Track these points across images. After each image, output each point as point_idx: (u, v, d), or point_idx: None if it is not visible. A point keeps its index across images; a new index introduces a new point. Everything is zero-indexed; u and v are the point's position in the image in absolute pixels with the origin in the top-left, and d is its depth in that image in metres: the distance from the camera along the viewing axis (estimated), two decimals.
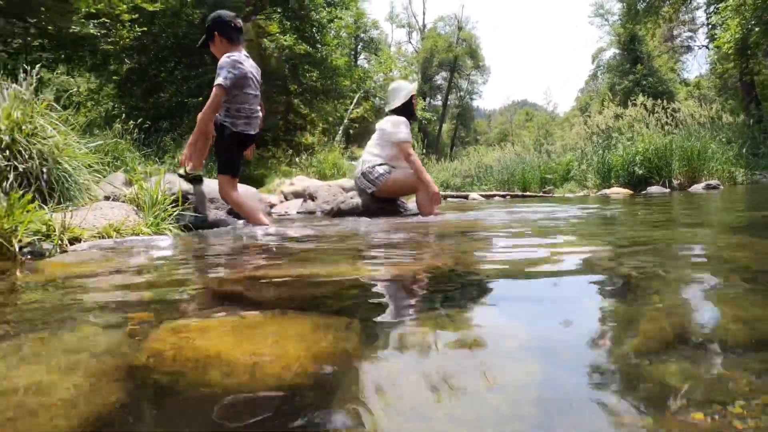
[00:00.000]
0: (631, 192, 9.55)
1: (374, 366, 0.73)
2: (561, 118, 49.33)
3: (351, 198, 4.56)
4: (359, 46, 32.15)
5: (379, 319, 0.97)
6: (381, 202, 4.42)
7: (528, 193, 12.08)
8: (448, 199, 10.22)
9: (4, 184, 2.27)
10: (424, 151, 15.60)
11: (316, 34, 15.70)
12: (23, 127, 2.46)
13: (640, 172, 10.19)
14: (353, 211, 4.40)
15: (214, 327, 0.90)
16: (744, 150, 11.29)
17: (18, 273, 1.62)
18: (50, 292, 1.30)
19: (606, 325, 0.92)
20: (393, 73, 22.71)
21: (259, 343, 0.81)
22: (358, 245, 2.24)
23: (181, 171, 3.37)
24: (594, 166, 11.74)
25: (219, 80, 2.94)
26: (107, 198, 3.16)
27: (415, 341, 0.81)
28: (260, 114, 3.34)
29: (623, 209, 4.58)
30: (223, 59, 3.02)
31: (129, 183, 3.85)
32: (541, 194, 12.07)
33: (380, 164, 4.30)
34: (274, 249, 2.14)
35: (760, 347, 0.75)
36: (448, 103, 44.91)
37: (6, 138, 2.36)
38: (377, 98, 19.14)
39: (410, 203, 4.78)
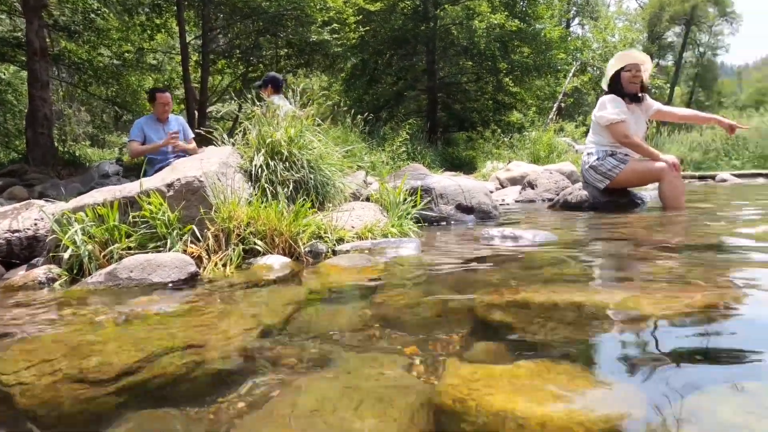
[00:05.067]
0: None
1: None
2: None
3: (578, 189, 4.27)
4: (572, 11, 29.63)
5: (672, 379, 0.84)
6: (612, 193, 4.06)
7: None
8: (686, 181, 8.73)
9: (285, 190, 2.73)
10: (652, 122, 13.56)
11: (527, 9, 14.94)
12: (297, 141, 2.92)
13: None
14: (581, 204, 4.13)
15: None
16: None
17: (316, 275, 1.92)
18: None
19: None
20: (612, 38, 20.25)
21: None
22: (621, 261, 2.04)
23: None
24: None
25: None
26: (353, 196, 3.57)
27: None
28: None
29: None
30: None
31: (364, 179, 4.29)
32: None
33: (610, 154, 3.93)
34: (521, 257, 2.07)
35: None
36: (683, 62, 38.36)
37: (285, 152, 2.84)
38: (596, 69, 17.39)
39: (643, 192, 4.33)
